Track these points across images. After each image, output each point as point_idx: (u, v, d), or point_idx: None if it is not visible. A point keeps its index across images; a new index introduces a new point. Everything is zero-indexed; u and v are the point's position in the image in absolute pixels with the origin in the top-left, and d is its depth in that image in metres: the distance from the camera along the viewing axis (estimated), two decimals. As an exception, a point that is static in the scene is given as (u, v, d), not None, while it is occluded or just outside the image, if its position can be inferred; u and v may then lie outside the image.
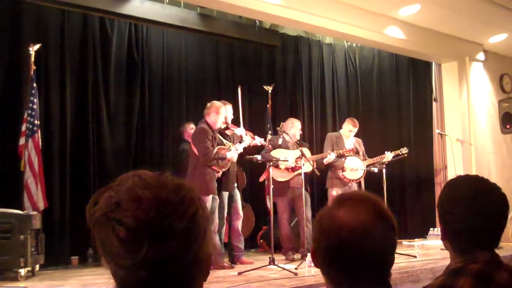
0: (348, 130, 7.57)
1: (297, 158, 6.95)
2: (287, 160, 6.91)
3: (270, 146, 6.95)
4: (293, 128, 7.13)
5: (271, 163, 6.28)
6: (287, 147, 7.11)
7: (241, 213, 6.79)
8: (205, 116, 6.38)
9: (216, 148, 6.22)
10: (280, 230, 7.09)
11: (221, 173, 6.31)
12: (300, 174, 6.98)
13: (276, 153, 6.95)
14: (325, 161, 7.21)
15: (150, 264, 0.94)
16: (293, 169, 7.06)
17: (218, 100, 6.79)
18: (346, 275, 1.34)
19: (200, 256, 1.01)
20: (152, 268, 0.94)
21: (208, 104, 6.46)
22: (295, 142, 6.84)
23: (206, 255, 1.04)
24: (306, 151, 6.76)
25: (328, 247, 1.34)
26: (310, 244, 6.62)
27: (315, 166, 6.73)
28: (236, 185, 6.76)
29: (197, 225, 0.99)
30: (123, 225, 0.94)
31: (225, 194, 6.55)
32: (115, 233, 0.94)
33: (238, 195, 6.78)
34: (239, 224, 6.74)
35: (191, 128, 7.50)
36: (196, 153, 6.18)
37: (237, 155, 6.35)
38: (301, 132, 7.38)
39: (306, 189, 6.78)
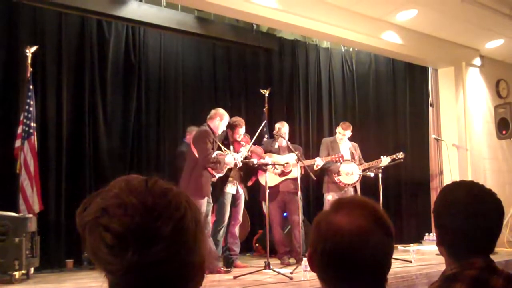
0: (338, 133, 7.60)
1: (285, 163, 6.95)
2: (282, 165, 6.91)
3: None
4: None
5: (267, 167, 6.30)
6: (278, 152, 7.13)
7: (240, 218, 6.88)
8: (208, 121, 6.41)
9: (215, 153, 6.23)
10: (273, 235, 7.09)
11: (216, 177, 6.32)
12: (289, 179, 7.00)
13: (266, 158, 6.97)
14: (315, 166, 7.20)
15: (137, 269, 0.94)
16: (281, 174, 7.06)
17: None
18: (342, 280, 1.34)
19: (192, 260, 1.01)
20: (140, 273, 0.94)
21: (213, 110, 6.51)
22: (288, 146, 6.86)
23: (199, 259, 1.03)
24: (294, 156, 6.73)
25: (325, 251, 1.34)
26: (303, 248, 6.66)
27: (302, 172, 6.70)
28: (242, 191, 6.79)
29: (185, 229, 0.99)
30: (109, 231, 0.94)
31: (229, 196, 6.60)
32: (103, 239, 0.94)
33: (242, 201, 6.82)
34: (236, 228, 6.81)
35: None
36: (196, 154, 6.18)
37: (233, 161, 6.35)
38: (287, 136, 7.32)
39: (296, 194, 6.78)
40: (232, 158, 6.33)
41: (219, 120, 6.39)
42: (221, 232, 6.58)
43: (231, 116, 6.83)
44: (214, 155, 6.19)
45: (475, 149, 9.61)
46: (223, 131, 6.70)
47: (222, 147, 6.44)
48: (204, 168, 6.15)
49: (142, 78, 8.25)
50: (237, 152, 6.55)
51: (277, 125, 7.27)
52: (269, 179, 6.65)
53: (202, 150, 6.14)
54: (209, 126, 6.37)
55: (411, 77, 10.45)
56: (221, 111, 6.49)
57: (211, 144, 6.20)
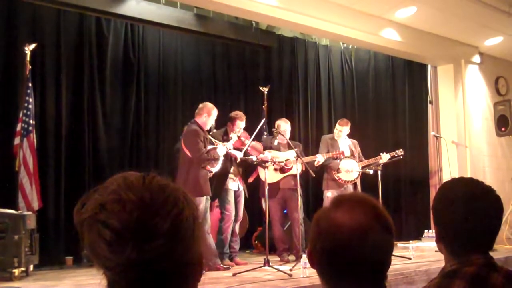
0: (336, 128, 7.61)
1: (286, 160, 6.95)
2: (282, 162, 6.92)
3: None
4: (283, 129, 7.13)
5: (267, 164, 6.29)
6: (278, 149, 7.13)
7: (241, 215, 6.92)
8: (196, 117, 6.38)
9: (209, 148, 6.21)
10: (272, 231, 7.09)
11: (213, 172, 6.30)
12: (289, 175, 7.01)
13: (266, 153, 6.97)
14: (316, 163, 7.20)
15: (136, 265, 0.94)
16: (281, 170, 7.06)
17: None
18: (342, 277, 1.34)
19: (190, 257, 1.01)
20: (138, 269, 0.94)
21: (201, 105, 6.47)
22: (288, 142, 6.86)
23: (197, 255, 1.03)
24: (293, 153, 6.74)
25: (324, 248, 1.34)
26: (303, 245, 6.67)
27: (303, 168, 6.70)
28: (243, 188, 6.80)
29: (183, 225, 0.98)
30: (108, 228, 0.94)
31: (231, 193, 6.65)
32: (101, 235, 0.94)
33: (242, 198, 6.83)
34: (236, 225, 6.85)
35: None
36: (189, 154, 6.16)
37: (225, 151, 6.34)
38: (289, 134, 7.32)
39: (296, 191, 6.79)
40: (224, 149, 6.31)
41: (207, 116, 6.33)
42: (229, 229, 6.60)
43: (230, 113, 6.83)
44: (208, 148, 6.17)
45: (474, 146, 9.62)
46: (224, 127, 6.69)
47: (213, 140, 6.41)
48: (201, 167, 6.13)
49: (141, 76, 8.25)
50: (228, 142, 6.53)
51: (277, 122, 7.25)
52: (270, 176, 6.67)
53: (195, 151, 6.10)
54: (197, 122, 6.33)
55: (410, 74, 10.45)
56: (209, 106, 6.43)
57: (202, 143, 6.17)
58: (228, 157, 6.51)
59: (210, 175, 6.29)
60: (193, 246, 1.01)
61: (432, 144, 9.72)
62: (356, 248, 1.30)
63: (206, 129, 6.36)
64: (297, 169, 6.53)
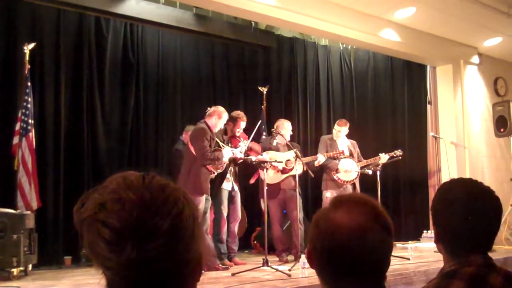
0: (334, 129, 7.61)
1: (287, 160, 6.96)
2: (281, 162, 6.91)
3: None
4: (283, 129, 7.11)
5: (266, 165, 6.29)
6: (277, 149, 7.12)
7: (239, 215, 6.88)
8: (206, 117, 6.40)
9: (213, 149, 6.22)
10: (271, 232, 7.09)
11: (215, 173, 6.31)
12: (290, 176, 7.00)
13: (264, 154, 6.96)
14: (316, 163, 7.20)
15: (135, 265, 0.94)
16: (283, 171, 7.05)
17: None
18: (341, 277, 1.34)
19: (189, 256, 1.01)
20: (138, 269, 0.94)
21: (212, 108, 6.50)
22: (287, 143, 6.86)
23: (197, 255, 1.03)
24: (292, 153, 6.74)
25: (324, 248, 1.34)
26: (302, 245, 6.66)
27: (305, 168, 6.70)
28: (237, 187, 6.80)
29: (182, 225, 0.98)
30: (107, 227, 0.94)
31: (225, 193, 6.61)
32: (101, 234, 0.94)
33: (239, 198, 6.82)
34: (235, 226, 6.81)
35: None
36: (193, 152, 6.17)
37: (232, 155, 6.36)
38: (291, 133, 7.34)
39: (295, 190, 6.79)
40: (230, 153, 6.33)
41: (217, 118, 6.37)
42: (224, 229, 6.59)
43: (229, 113, 6.84)
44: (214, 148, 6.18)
45: (473, 147, 9.62)
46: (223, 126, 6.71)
47: (220, 143, 6.43)
48: (203, 165, 6.14)
49: (140, 76, 8.25)
50: (235, 147, 6.55)
51: (277, 123, 7.25)
52: (271, 176, 6.66)
53: (199, 148, 6.12)
54: (206, 123, 6.35)
55: (409, 74, 10.46)
56: (220, 109, 6.47)
57: (208, 141, 6.18)
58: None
59: (213, 176, 6.29)
60: (193, 246, 1.01)
61: (431, 145, 9.73)
62: (355, 248, 1.30)
63: (215, 131, 6.38)
64: (297, 169, 6.53)
